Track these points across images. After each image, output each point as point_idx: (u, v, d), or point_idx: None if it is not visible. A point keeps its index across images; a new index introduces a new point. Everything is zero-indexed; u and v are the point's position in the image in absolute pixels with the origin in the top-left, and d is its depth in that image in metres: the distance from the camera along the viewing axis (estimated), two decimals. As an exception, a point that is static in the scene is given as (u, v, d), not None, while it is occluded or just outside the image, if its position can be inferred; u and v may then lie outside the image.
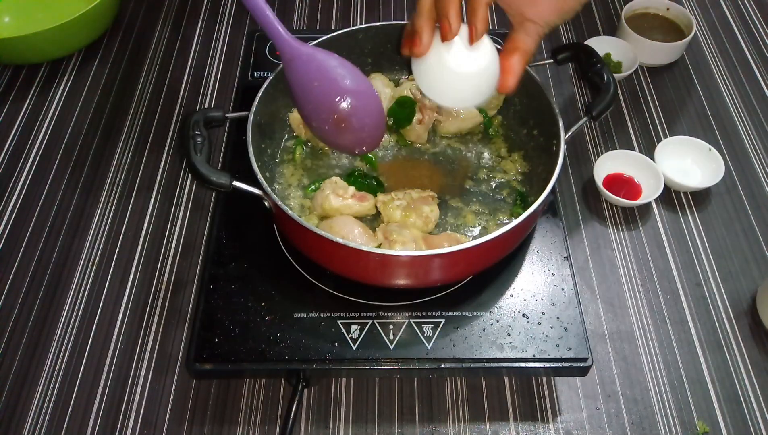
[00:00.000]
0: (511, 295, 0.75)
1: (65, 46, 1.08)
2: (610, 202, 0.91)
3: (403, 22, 0.89)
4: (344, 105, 0.70)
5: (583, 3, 0.69)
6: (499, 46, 0.68)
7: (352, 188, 0.77)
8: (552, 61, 0.83)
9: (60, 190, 0.93)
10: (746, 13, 1.20)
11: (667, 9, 1.12)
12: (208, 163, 0.68)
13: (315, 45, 0.84)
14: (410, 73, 0.93)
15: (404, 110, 0.83)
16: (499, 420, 0.74)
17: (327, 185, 0.78)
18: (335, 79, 0.70)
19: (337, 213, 0.76)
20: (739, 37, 1.15)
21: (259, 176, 0.69)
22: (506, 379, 0.77)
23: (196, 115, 0.73)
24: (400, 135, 0.86)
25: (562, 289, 0.75)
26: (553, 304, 0.74)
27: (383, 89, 0.87)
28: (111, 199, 0.92)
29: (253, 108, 0.76)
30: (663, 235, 0.89)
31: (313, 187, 0.81)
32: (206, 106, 1.04)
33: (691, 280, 0.85)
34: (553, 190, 0.72)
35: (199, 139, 0.69)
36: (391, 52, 0.91)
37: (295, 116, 0.85)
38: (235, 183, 0.68)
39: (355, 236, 0.72)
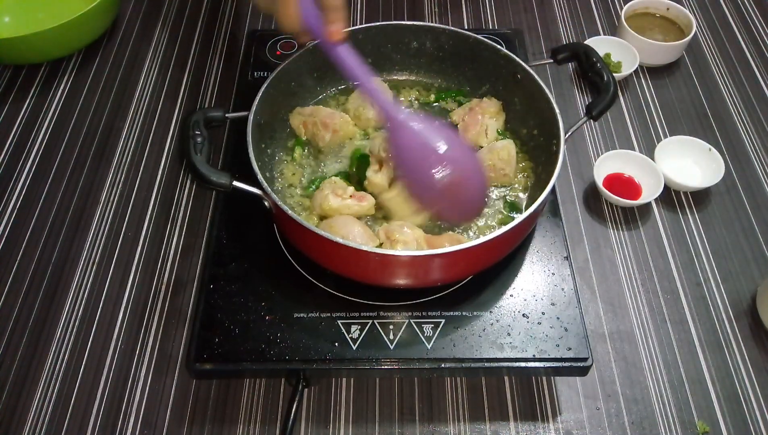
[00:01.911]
0: (511, 295, 0.75)
1: (65, 46, 1.08)
2: (610, 202, 0.91)
3: (403, 22, 0.89)
4: (443, 177, 0.70)
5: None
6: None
7: (351, 188, 0.77)
8: (552, 61, 0.83)
9: (60, 190, 0.93)
10: (746, 13, 1.20)
11: (667, 9, 1.12)
12: (208, 163, 0.68)
13: (315, 45, 0.85)
14: (410, 73, 0.94)
15: (359, 167, 0.81)
16: (499, 420, 0.74)
17: (326, 185, 0.78)
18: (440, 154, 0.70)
19: (337, 213, 0.75)
20: (739, 37, 1.15)
21: (259, 176, 0.69)
22: (506, 379, 0.77)
23: (196, 115, 0.73)
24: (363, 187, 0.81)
25: (562, 289, 0.75)
26: (553, 304, 0.74)
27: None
28: (111, 199, 0.92)
29: (253, 108, 0.76)
30: (663, 235, 0.89)
31: (312, 187, 0.81)
32: (206, 106, 1.04)
33: (691, 280, 0.85)
34: (553, 190, 0.72)
35: (199, 139, 0.69)
36: (391, 52, 0.91)
37: (295, 116, 0.85)
38: (235, 183, 0.68)
39: (355, 236, 0.72)
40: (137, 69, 1.10)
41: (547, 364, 0.70)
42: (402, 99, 0.92)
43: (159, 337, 0.79)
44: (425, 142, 0.70)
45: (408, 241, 0.71)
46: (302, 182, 0.83)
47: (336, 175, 0.81)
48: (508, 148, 0.81)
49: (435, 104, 0.92)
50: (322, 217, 0.77)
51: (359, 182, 0.80)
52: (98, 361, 0.77)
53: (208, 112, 0.74)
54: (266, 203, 0.70)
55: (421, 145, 0.70)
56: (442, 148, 0.70)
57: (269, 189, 0.68)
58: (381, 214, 0.79)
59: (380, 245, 0.72)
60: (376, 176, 0.78)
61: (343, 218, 0.75)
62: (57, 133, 1.00)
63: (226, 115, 0.76)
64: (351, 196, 0.76)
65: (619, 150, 0.95)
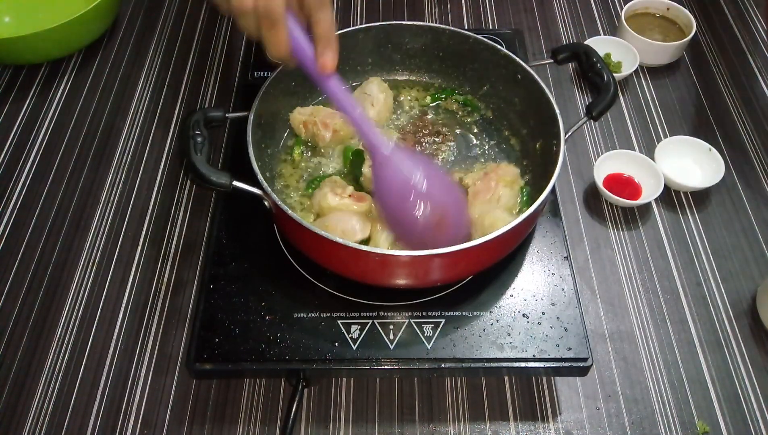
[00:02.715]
0: (511, 295, 0.75)
1: (65, 46, 1.08)
2: (610, 202, 0.91)
3: (403, 22, 0.89)
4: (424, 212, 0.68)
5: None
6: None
7: (350, 188, 0.77)
8: (552, 61, 0.83)
9: (60, 190, 0.93)
10: (746, 13, 1.20)
11: (667, 9, 1.12)
12: (208, 163, 0.68)
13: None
14: (410, 73, 0.94)
15: (354, 163, 0.81)
16: (499, 420, 0.74)
17: (326, 183, 0.78)
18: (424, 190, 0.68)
19: (334, 211, 0.75)
20: (739, 37, 1.15)
21: (259, 176, 0.69)
22: (506, 379, 0.77)
23: (196, 115, 0.73)
24: (360, 184, 0.81)
25: (562, 289, 0.75)
26: (553, 304, 0.74)
27: (378, 94, 0.87)
28: (111, 199, 0.92)
29: (253, 108, 0.76)
30: (663, 235, 0.89)
31: (312, 186, 0.81)
32: (206, 106, 1.04)
33: (691, 280, 0.85)
34: (553, 190, 0.72)
35: (199, 139, 0.69)
36: (391, 52, 0.91)
37: (295, 116, 0.85)
38: (235, 183, 0.68)
39: (354, 227, 0.72)
40: (137, 69, 1.10)
41: (547, 364, 0.70)
42: (402, 99, 0.92)
43: (159, 337, 0.79)
44: (406, 180, 0.68)
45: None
46: (302, 182, 0.83)
47: (335, 175, 0.81)
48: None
49: (433, 104, 0.91)
50: (318, 216, 0.77)
51: (355, 180, 0.81)
52: (98, 361, 0.77)
53: (208, 112, 0.74)
54: (266, 203, 0.70)
55: (402, 182, 0.68)
56: (422, 186, 0.68)
57: (269, 189, 0.68)
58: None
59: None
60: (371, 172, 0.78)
61: (337, 214, 0.74)
62: (57, 133, 1.00)
63: (226, 115, 0.76)
64: (350, 196, 0.76)
65: (619, 150, 0.95)
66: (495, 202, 0.77)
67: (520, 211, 0.78)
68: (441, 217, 0.69)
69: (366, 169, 0.79)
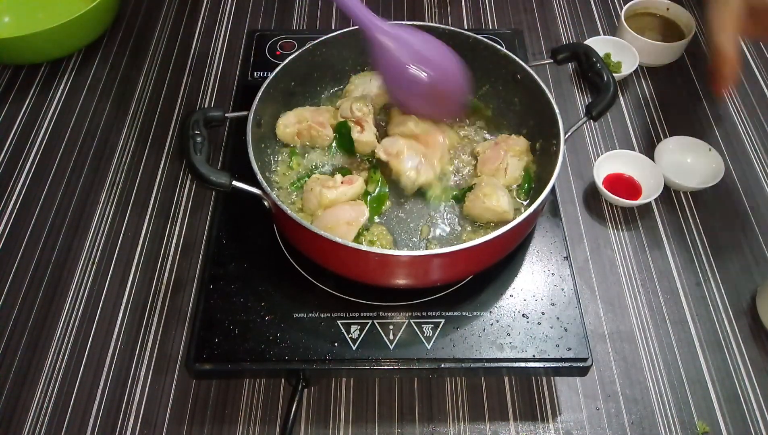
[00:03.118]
0: (511, 295, 0.75)
1: (65, 46, 1.08)
2: (610, 202, 0.91)
3: (403, 22, 0.89)
4: (424, 78, 0.75)
5: None
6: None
7: (338, 176, 0.77)
8: (552, 61, 0.83)
9: (60, 190, 0.93)
10: (746, 13, 1.20)
11: (667, 9, 1.12)
12: (208, 163, 0.68)
13: (315, 45, 0.85)
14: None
15: (343, 135, 0.83)
16: (499, 420, 0.74)
17: (313, 183, 0.77)
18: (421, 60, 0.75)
19: (336, 204, 0.75)
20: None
21: (259, 176, 0.69)
22: (506, 379, 0.77)
23: (196, 115, 0.73)
24: (350, 151, 0.84)
25: (562, 289, 0.75)
26: (553, 304, 0.74)
27: (375, 89, 0.87)
28: (111, 199, 0.92)
29: (253, 108, 0.76)
30: (663, 235, 0.89)
31: (297, 183, 0.81)
32: (206, 106, 1.04)
33: (691, 280, 0.85)
34: (553, 190, 0.72)
35: (198, 139, 0.69)
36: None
37: (283, 130, 0.83)
38: (235, 182, 0.68)
39: (349, 213, 0.73)
40: (137, 69, 1.10)
41: (547, 364, 0.70)
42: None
43: (159, 337, 0.79)
44: (403, 51, 0.74)
45: (404, 149, 0.77)
46: (301, 182, 0.82)
47: (315, 174, 0.81)
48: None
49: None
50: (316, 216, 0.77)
51: (348, 151, 0.83)
52: (98, 361, 0.77)
53: (207, 112, 0.74)
54: (266, 203, 0.70)
55: (399, 54, 0.74)
56: (420, 54, 0.75)
57: (269, 188, 0.68)
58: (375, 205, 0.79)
59: (387, 165, 0.77)
60: (362, 136, 0.80)
61: (328, 211, 0.74)
62: (57, 133, 1.00)
63: (226, 115, 0.76)
64: (342, 183, 0.76)
65: (619, 150, 0.95)
66: (502, 171, 0.80)
67: (519, 195, 0.78)
68: (441, 79, 0.76)
69: (355, 136, 0.81)
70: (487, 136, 0.88)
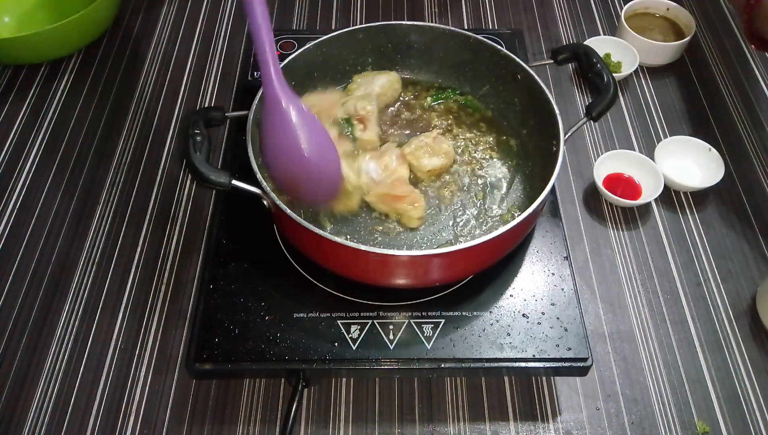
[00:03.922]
0: (511, 295, 0.75)
1: (65, 46, 1.08)
2: (610, 202, 0.91)
3: (402, 22, 0.89)
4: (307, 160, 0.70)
5: None
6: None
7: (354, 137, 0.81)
8: (552, 61, 0.83)
9: (60, 191, 0.93)
10: (746, 13, 1.20)
11: (667, 9, 1.12)
12: (208, 163, 0.68)
13: (315, 45, 0.85)
14: (410, 73, 0.94)
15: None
16: (499, 420, 0.74)
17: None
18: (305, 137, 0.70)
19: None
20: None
21: (259, 175, 0.69)
22: (506, 379, 0.77)
23: (196, 114, 0.73)
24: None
25: (562, 289, 0.75)
26: (553, 304, 0.74)
27: (378, 88, 0.88)
28: (111, 199, 0.92)
29: (253, 107, 0.76)
30: (663, 235, 0.89)
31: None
32: (206, 106, 1.04)
33: (691, 280, 0.85)
34: (552, 190, 0.72)
35: (198, 138, 0.69)
36: (391, 52, 0.91)
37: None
38: (235, 182, 0.68)
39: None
40: (137, 69, 1.10)
41: (547, 364, 0.70)
42: (402, 99, 0.92)
43: (159, 337, 0.79)
44: (294, 132, 0.69)
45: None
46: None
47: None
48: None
49: (433, 104, 0.91)
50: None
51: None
52: (98, 361, 0.77)
53: (208, 112, 0.74)
54: (266, 202, 0.70)
55: (290, 133, 0.69)
56: (308, 127, 0.69)
57: (268, 188, 0.68)
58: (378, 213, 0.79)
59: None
60: (365, 134, 0.81)
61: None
62: (57, 133, 1.00)
63: (226, 114, 0.76)
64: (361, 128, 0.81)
65: (619, 150, 0.95)
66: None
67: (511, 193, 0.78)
68: (320, 160, 0.71)
69: (358, 133, 0.81)
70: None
